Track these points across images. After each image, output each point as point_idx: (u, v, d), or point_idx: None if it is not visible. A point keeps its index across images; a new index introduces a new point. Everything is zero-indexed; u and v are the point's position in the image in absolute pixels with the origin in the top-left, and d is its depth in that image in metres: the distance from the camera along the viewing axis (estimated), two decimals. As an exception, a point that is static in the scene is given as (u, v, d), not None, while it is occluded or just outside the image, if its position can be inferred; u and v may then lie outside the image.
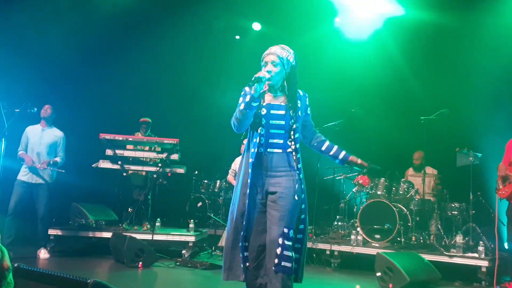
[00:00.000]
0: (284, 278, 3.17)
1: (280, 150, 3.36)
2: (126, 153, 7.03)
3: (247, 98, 3.24)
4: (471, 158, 6.47)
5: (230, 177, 7.30)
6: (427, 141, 7.11)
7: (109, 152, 6.91)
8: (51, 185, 6.47)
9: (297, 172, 3.36)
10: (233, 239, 3.37)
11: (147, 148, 7.37)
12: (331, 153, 3.66)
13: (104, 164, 6.94)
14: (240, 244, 3.32)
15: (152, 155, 7.12)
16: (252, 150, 3.36)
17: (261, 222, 3.34)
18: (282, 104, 3.41)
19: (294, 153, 3.36)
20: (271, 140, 3.37)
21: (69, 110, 8.32)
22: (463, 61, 7.90)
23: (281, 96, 3.45)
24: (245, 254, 3.34)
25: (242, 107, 3.27)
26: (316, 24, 9.47)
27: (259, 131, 3.36)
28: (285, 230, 3.20)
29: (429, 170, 7.49)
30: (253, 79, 3.20)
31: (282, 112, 3.38)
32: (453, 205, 6.86)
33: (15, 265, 2.73)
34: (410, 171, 7.92)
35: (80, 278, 2.44)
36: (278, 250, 3.17)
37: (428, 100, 8.15)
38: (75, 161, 7.64)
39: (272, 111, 3.38)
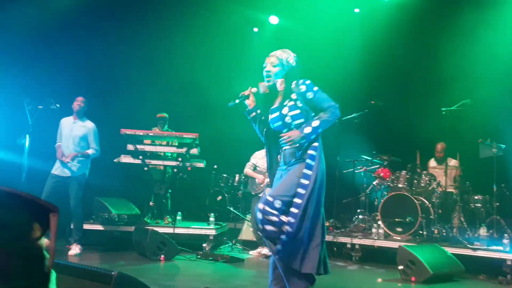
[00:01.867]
0: (273, 240, 3.30)
1: (288, 147, 3.51)
2: (147, 148, 7.08)
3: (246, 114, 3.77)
4: (494, 149, 6.37)
5: (247, 170, 7.28)
6: (449, 132, 7.02)
7: (130, 147, 6.97)
8: (82, 178, 6.42)
9: (301, 161, 3.42)
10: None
11: (166, 142, 7.42)
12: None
13: (126, 159, 7.01)
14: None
15: (172, 149, 7.16)
16: (270, 152, 3.71)
17: None
18: (276, 106, 3.62)
19: (298, 145, 3.45)
20: (281, 140, 3.53)
21: (90, 106, 8.41)
22: (485, 50, 7.75)
23: (280, 96, 3.63)
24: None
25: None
26: (333, 16, 9.40)
27: (272, 135, 3.66)
28: (270, 199, 3.33)
29: (451, 162, 7.38)
30: (240, 96, 3.71)
31: (276, 114, 3.59)
32: (476, 197, 6.76)
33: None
34: (432, 162, 7.83)
35: (104, 270, 2.47)
36: (259, 215, 3.31)
37: (450, 90, 8.02)
38: (97, 156, 7.74)
39: (270, 116, 3.65)
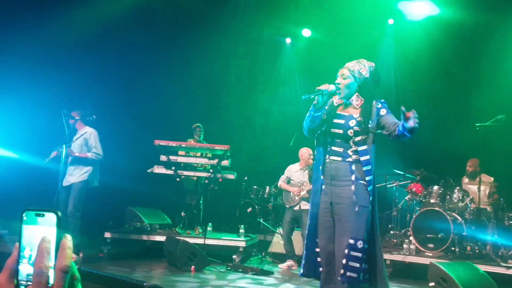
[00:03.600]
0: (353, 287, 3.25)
1: (340, 159, 3.42)
2: (179, 159, 7.20)
3: (312, 107, 3.40)
4: (529, 166, 6.23)
5: (281, 183, 7.31)
6: (483, 148, 6.90)
7: (163, 158, 7.10)
8: (84, 184, 6.37)
9: (362, 182, 3.36)
10: (309, 243, 3.53)
11: (199, 154, 7.53)
12: (400, 127, 3.35)
13: (159, 170, 7.14)
14: (316, 248, 3.48)
15: (204, 161, 7.26)
16: (321, 158, 3.52)
17: (327, 231, 3.44)
18: (346, 114, 3.49)
19: (355, 164, 3.38)
20: (333, 148, 3.46)
21: (125, 117, 8.63)
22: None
23: (353, 109, 3.51)
24: (318, 259, 3.48)
25: (308, 113, 3.45)
26: (366, 28, 9.40)
27: (324, 139, 3.52)
28: (351, 241, 3.26)
29: (485, 178, 7.24)
30: (315, 90, 3.35)
31: (342, 121, 3.46)
32: (510, 214, 6.61)
33: (76, 267, 2.88)
34: (465, 179, 7.70)
35: (137, 281, 2.55)
36: (344, 261, 3.25)
37: (484, 106, 7.89)
38: (131, 166, 7.92)
39: (334, 120, 3.49)
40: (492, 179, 7.36)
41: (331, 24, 9.35)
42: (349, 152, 3.42)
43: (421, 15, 8.83)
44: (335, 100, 3.58)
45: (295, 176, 7.18)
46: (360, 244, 3.27)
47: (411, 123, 3.19)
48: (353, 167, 3.39)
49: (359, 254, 3.26)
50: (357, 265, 3.25)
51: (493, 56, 8.05)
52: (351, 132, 3.42)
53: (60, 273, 0.82)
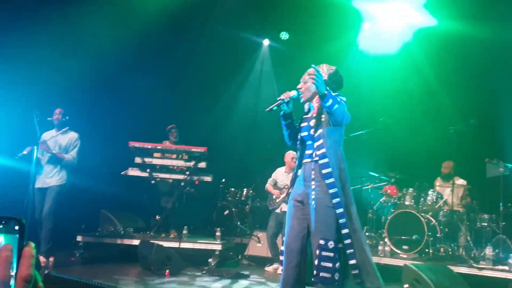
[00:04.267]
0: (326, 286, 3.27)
1: (309, 160, 3.54)
2: (155, 161, 7.13)
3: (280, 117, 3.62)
4: (501, 169, 6.35)
5: (267, 186, 7.36)
6: (456, 151, 7.01)
7: (138, 160, 7.02)
8: (61, 187, 6.29)
9: (326, 182, 3.40)
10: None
11: (174, 156, 7.47)
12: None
13: (133, 172, 7.06)
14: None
15: (180, 163, 7.20)
16: (296, 162, 3.73)
17: (294, 229, 3.51)
18: (307, 116, 3.66)
19: (321, 161, 3.44)
20: (305, 152, 3.60)
21: (100, 118, 8.50)
22: (492, 71, 7.77)
23: (314, 110, 3.65)
24: (281, 259, 3.56)
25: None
26: (344, 34, 9.49)
27: (297, 145, 3.70)
28: (321, 242, 3.29)
29: (458, 180, 7.36)
30: (277, 101, 3.56)
31: (305, 124, 3.63)
32: (482, 217, 6.72)
33: (46, 272, 2.82)
34: (439, 181, 7.80)
35: (109, 286, 2.50)
36: (316, 261, 3.29)
37: (458, 110, 8.03)
38: (105, 168, 7.81)
39: (302, 124, 3.67)
40: (465, 182, 7.48)
41: (308, 27, 9.39)
42: (314, 153, 3.50)
43: (396, 20, 8.93)
44: (306, 106, 3.74)
45: (280, 179, 7.26)
46: (331, 244, 3.29)
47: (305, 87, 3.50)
48: (317, 167, 3.46)
49: (331, 254, 3.27)
50: (330, 265, 3.26)
51: (466, 60, 8.19)
52: (312, 132, 3.53)
53: (22, 283, 0.79)
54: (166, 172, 7.29)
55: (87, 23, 8.08)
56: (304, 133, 3.62)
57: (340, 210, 3.37)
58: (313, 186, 3.43)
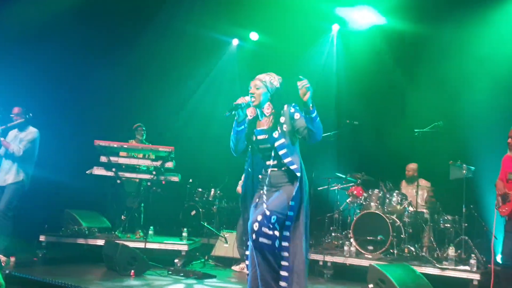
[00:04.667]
0: (265, 253, 3.33)
1: (276, 169, 3.62)
2: (121, 160, 7.03)
3: (234, 124, 3.59)
4: (464, 171, 6.51)
5: (238, 188, 7.38)
6: (421, 153, 7.15)
7: (103, 159, 6.91)
8: (18, 185, 6.13)
9: (291, 184, 3.55)
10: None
11: (141, 155, 7.37)
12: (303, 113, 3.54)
13: (98, 171, 6.94)
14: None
15: (147, 162, 7.12)
16: (252, 171, 3.72)
17: None
18: (265, 128, 3.66)
19: (284, 168, 3.59)
20: (265, 161, 3.66)
21: (64, 116, 8.31)
22: (457, 74, 7.96)
23: (266, 118, 3.69)
24: (246, 262, 3.63)
25: (232, 132, 3.64)
26: (312, 36, 9.56)
27: (255, 155, 3.72)
28: (267, 213, 3.37)
29: (422, 182, 7.51)
30: (233, 105, 3.55)
31: (265, 136, 3.64)
32: (446, 218, 6.87)
33: (7, 271, 2.73)
34: (403, 183, 7.95)
35: (72, 286, 2.44)
36: (255, 226, 3.33)
37: (423, 112, 8.20)
38: (69, 167, 7.64)
39: (258, 137, 3.68)
40: (429, 183, 7.64)
41: (277, 28, 9.41)
42: (280, 161, 3.59)
43: (364, 23, 9.05)
44: (248, 114, 3.76)
45: None
46: (273, 218, 3.37)
47: (305, 98, 3.37)
48: (283, 172, 3.60)
49: (271, 226, 3.34)
50: (270, 232, 3.33)
51: (432, 64, 8.37)
52: (277, 144, 3.58)
53: None
54: (132, 171, 7.18)
55: (51, 16, 7.88)
56: (266, 145, 3.64)
57: (294, 203, 3.48)
58: (280, 188, 3.59)
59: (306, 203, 3.57)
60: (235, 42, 10.52)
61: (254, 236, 3.32)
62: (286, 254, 3.44)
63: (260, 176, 3.70)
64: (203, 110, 10.17)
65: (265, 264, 3.36)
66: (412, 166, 7.74)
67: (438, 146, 7.63)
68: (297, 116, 3.61)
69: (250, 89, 3.69)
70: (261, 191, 3.63)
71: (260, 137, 3.66)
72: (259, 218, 3.35)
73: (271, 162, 3.61)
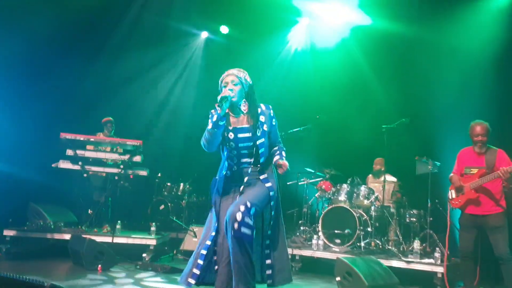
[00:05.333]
0: (244, 243, 3.30)
1: (252, 167, 3.62)
2: (87, 154, 6.92)
3: (214, 118, 3.43)
4: (430, 167, 6.64)
5: None
6: (388, 149, 7.26)
7: (69, 152, 6.78)
8: None
9: (265, 181, 3.60)
10: (202, 243, 3.59)
11: (109, 149, 7.26)
12: (273, 162, 3.71)
13: (64, 165, 6.81)
14: (203, 250, 3.50)
15: (114, 156, 7.02)
16: (224, 170, 3.66)
17: None
18: (247, 125, 3.61)
19: (263, 167, 3.63)
20: (242, 159, 3.63)
21: (29, 108, 8.10)
22: (423, 72, 8.11)
23: (243, 115, 3.65)
24: (214, 258, 3.50)
25: (210, 126, 3.47)
26: (283, 30, 9.58)
27: (230, 153, 3.63)
28: (248, 204, 3.35)
29: (389, 177, 7.64)
30: (219, 99, 3.40)
31: (248, 134, 3.59)
32: (411, 212, 7.01)
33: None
34: (370, 177, 8.08)
35: (36, 281, 2.39)
36: (238, 216, 3.28)
37: (391, 109, 8.33)
38: (34, 160, 7.46)
39: (239, 135, 3.60)
40: (395, 178, 7.78)
41: (247, 22, 9.38)
42: (257, 159, 3.62)
43: (333, 18, 9.11)
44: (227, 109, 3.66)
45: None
46: (252, 210, 3.37)
47: (280, 171, 3.59)
48: (262, 170, 3.63)
49: (251, 217, 3.35)
50: (251, 222, 3.33)
51: (400, 61, 8.50)
52: (258, 142, 3.59)
53: None
54: (100, 165, 7.08)
55: (14, 7, 7.67)
56: (247, 143, 3.60)
57: (269, 202, 3.56)
58: (256, 184, 3.60)
59: (279, 198, 3.65)
60: (204, 35, 10.44)
61: (236, 225, 3.27)
62: (268, 242, 3.55)
63: (229, 172, 3.67)
64: (172, 103, 10.07)
65: (241, 254, 3.32)
66: (379, 161, 7.88)
67: (404, 142, 7.78)
68: (274, 122, 3.69)
69: (227, 85, 3.60)
70: (237, 188, 3.62)
71: (241, 135, 3.60)
72: (242, 208, 3.31)
73: (247, 160, 3.62)
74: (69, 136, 6.71)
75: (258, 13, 8.96)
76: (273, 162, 3.68)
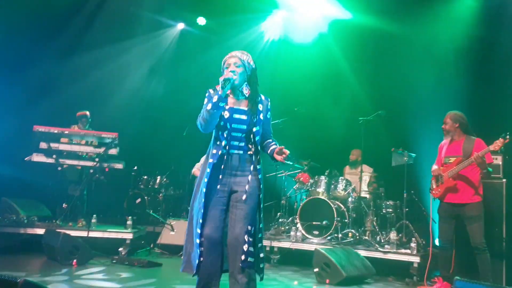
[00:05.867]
0: (251, 273, 3.33)
1: (241, 152, 3.52)
2: (62, 147, 6.78)
3: (215, 99, 3.35)
4: (405, 158, 6.72)
5: (195, 170, 7.34)
6: (364, 141, 7.31)
7: (43, 145, 6.64)
8: None
9: (258, 172, 3.54)
10: (190, 233, 3.53)
11: (84, 142, 7.13)
12: (269, 150, 3.62)
13: (38, 158, 6.67)
14: (196, 239, 3.43)
15: (89, 149, 6.90)
16: (215, 151, 3.51)
17: (215, 219, 3.42)
18: (245, 108, 3.54)
19: (255, 155, 3.54)
20: (233, 142, 3.51)
21: (0, 100, 7.91)
22: (399, 66, 8.17)
23: (243, 99, 3.57)
24: (200, 249, 3.42)
25: (209, 107, 3.37)
26: (260, 23, 9.55)
27: (222, 134, 3.51)
28: (249, 228, 3.35)
29: (366, 168, 7.71)
30: (222, 80, 3.32)
31: (244, 117, 3.51)
32: (388, 203, 7.09)
33: None
34: (347, 168, 8.14)
35: (9, 278, 2.32)
36: (245, 247, 3.29)
37: (368, 101, 8.39)
38: (7, 154, 7.29)
39: (235, 115, 3.51)
40: (371, 169, 7.85)
41: (224, 14, 9.31)
42: (249, 145, 3.53)
43: (311, 11, 9.11)
44: (228, 91, 3.53)
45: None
46: (253, 230, 3.39)
47: (278, 158, 3.48)
48: (253, 158, 3.54)
49: (252, 239, 3.36)
50: (252, 249, 3.35)
51: (378, 54, 8.55)
52: (254, 129, 3.52)
53: None
54: (74, 158, 6.95)
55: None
56: (241, 125, 3.50)
57: (260, 206, 3.53)
58: (249, 178, 3.48)
59: (262, 194, 3.58)
60: (180, 26, 10.31)
61: (243, 257, 3.28)
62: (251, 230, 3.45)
63: (225, 157, 3.48)
64: (148, 95, 9.95)
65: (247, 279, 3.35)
66: (356, 152, 7.95)
67: (381, 133, 7.85)
68: (269, 115, 3.64)
69: (229, 67, 3.51)
70: (228, 177, 3.49)
71: (237, 115, 3.49)
72: (246, 238, 3.31)
73: (239, 144, 3.50)
74: (42, 128, 6.57)
75: (234, 4, 8.89)
76: (270, 151, 3.56)
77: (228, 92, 3.46)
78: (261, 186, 3.52)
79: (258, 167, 3.54)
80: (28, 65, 8.40)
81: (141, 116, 9.83)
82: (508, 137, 4.78)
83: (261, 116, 3.56)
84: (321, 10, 8.98)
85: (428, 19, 7.93)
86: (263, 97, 3.63)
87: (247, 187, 3.45)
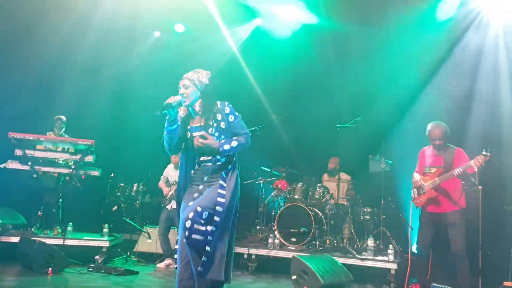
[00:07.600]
0: (197, 248, 3.35)
1: (210, 164, 3.61)
2: (37, 154, 6.67)
3: (166, 123, 3.54)
4: (382, 165, 6.79)
5: (160, 183, 7.40)
6: (342, 148, 7.37)
7: (18, 152, 6.52)
8: None
9: (227, 178, 3.59)
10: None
11: (60, 148, 7.03)
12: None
13: (13, 165, 6.54)
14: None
15: (65, 156, 6.80)
16: (186, 167, 3.68)
17: None
18: (201, 125, 3.65)
19: (224, 164, 3.62)
20: (202, 158, 3.63)
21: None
22: (377, 72, 8.25)
23: (199, 116, 3.69)
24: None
25: (164, 132, 3.58)
26: (237, 30, 9.56)
27: (191, 153, 3.66)
28: (198, 209, 3.38)
29: (343, 175, 7.76)
30: (163, 106, 3.47)
31: (200, 133, 3.60)
32: (365, 210, 7.14)
33: None
34: (326, 176, 8.19)
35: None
36: (188, 223, 3.34)
37: (345, 109, 8.45)
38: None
39: (194, 134, 3.64)
40: (349, 177, 7.91)
41: (202, 20, 9.27)
42: (218, 156, 3.60)
43: (290, 18, 9.14)
44: (181, 112, 3.73)
45: (171, 175, 7.39)
46: (205, 214, 3.39)
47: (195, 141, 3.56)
48: (221, 167, 3.62)
49: (203, 221, 3.37)
50: (203, 228, 3.36)
51: (355, 60, 8.62)
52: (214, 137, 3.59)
53: None
54: (50, 165, 6.83)
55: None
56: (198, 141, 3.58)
57: (222, 199, 3.49)
58: (215, 183, 3.56)
59: (238, 198, 3.62)
60: (157, 34, 10.26)
61: (187, 233, 3.33)
62: (209, 239, 3.42)
63: (192, 172, 3.67)
64: (125, 102, 9.85)
65: (198, 259, 3.36)
66: (334, 160, 8.01)
67: (358, 140, 7.91)
68: (231, 118, 3.66)
69: (180, 90, 3.66)
70: (196, 187, 3.63)
71: (196, 134, 3.62)
72: (191, 215, 3.35)
73: (205, 158, 3.62)
74: (17, 135, 6.45)
75: (209, 9, 8.88)
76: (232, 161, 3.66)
77: (184, 112, 3.68)
78: (226, 190, 3.53)
79: (228, 174, 3.60)
80: (1, 69, 8.25)
81: (118, 123, 9.73)
82: (489, 154, 4.84)
83: (222, 125, 3.62)
84: (300, 16, 9.01)
85: (402, 26, 7.99)
86: (218, 104, 3.68)
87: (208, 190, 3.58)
